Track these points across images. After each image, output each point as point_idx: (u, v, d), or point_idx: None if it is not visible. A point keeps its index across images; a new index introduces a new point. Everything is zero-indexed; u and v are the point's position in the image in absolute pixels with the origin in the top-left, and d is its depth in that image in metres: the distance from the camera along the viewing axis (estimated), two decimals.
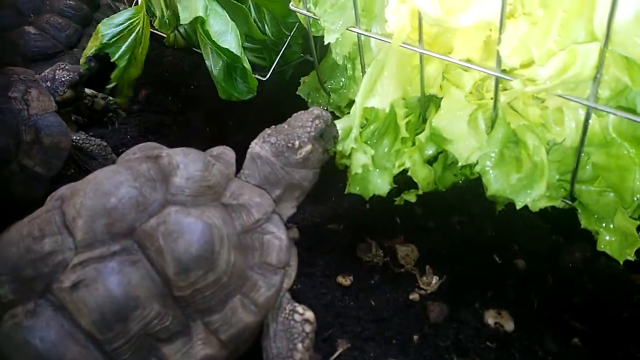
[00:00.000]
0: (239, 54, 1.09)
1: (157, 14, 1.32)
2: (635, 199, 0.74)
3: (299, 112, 0.85)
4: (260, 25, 1.21)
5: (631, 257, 0.75)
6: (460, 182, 0.89)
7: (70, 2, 1.56)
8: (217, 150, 0.86)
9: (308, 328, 0.76)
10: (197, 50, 1.33)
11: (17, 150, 1.10)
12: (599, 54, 0.65)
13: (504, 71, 0.74)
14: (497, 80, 0.75)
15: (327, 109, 1.09)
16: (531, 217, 1.02)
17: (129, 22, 1.25)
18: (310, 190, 0.88)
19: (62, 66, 1.24)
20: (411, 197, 0.90)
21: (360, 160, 0.87)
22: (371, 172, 0.88)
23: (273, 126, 0.85)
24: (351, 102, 1.04)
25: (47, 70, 1.25)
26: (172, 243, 0.69)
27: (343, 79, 1.08)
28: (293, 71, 1.36)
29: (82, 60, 1.32)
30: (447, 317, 0.91)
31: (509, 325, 0.90)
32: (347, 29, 0.88)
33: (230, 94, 1.17)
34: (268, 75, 1.24)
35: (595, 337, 0.88)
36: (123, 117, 1.46)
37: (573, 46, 0.67)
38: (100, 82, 1.38)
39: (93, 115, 1.41)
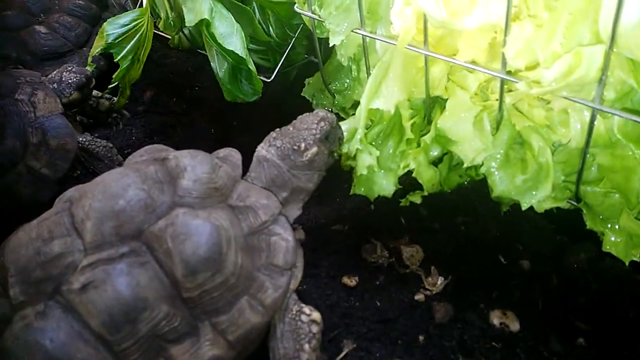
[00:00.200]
0: (244, 56, 1.10)
1: (162, 15, 1.32)
2: None
3: (304, 115, 0.86)
4: (264, 27, 1.22)
5: (637, 258, 0.75)
6: (465, 183, 0.89)
7: (79, 1, 1.57)
8: (223, 152, 0.86)
9: (315, 329, 0.77)
10: (201, 52, 1.34)
11: (24, 152, 1.11)
12: (604, 57, 0.65)
13: (509, 73, 0.74)
14: (503, 82, 0.75)
15: (331, 110, 1.10)
16: (536, 217, 1.02)
17: (134, 23, 1.26)
18: (315, 191, 0.88)
19: (69, 68, 1.25)
20: (416, 198, 0.91)
21: (365, 162, 0.88)
22: (376, 173, 0.89)
23: (278, 129, 0.86)
24: (356, 103, 1.05)
25: (54, 72, 1.26)
26: (180, 245, 0.69)
27: (347, 80, 1.09)
28: (297, 72, 1.37)
29: (89, 60, 1.33)
30: (452, 318, 0.92)
31: (514, 326, 0.90)
32: (352, 31, 0.89)
33: (236, 95, 1.18)
34: (272, 77, 1.25)
35: (601, 337, 0.88)
36: (127, 118, 1.46)
37: (578, 48, 0.67)
38: (104, 83, 1.39)
39: (97, 116, 1.42)
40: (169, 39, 1.44)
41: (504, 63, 0.72)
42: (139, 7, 1.47)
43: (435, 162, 0.88)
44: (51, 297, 0.68)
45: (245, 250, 0.75)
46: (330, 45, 0.92)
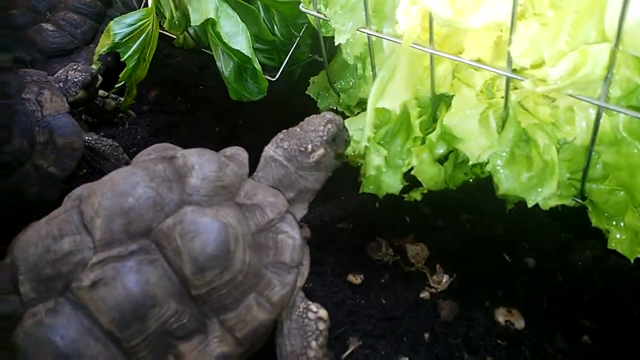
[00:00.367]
0: (249, 55, 1.10)
1: (167, 15, 1.33)
2: None
3: (312, 116, 0.86)
4: (269, 26, 1.22)
5: None
6: (470, 180, 0.90)
7: None
8: (230, 150, 0.87)
9: (322, 326, 0.77)
10: (206, 51, 1.34)
11: (32, 151, 1.11)
12: (610, 55, 0.66)
13: (514, 71, 0.74)
14: (508, 80, 0.76)
15: (337, 109, 1.10)
16: (541, 215, 1.03)
17: (140, 22, 1.26)
18: (320, 190, 0.89)
19: (75, 67, 1.26)
20: (416, 195, 0.91)
21: (374, 162, 0.88)
22: (384, 172, 0.89)
23: (285, 130, 0.86)
24: (361, 102, 1.05)
25: (60, 71, 1.26)
26: (189, 243, 0.70)
27: (352, 79, 1.09)
28: (301, 71, 1.37)
29: (95, 58, 1.33)
30: (457, 315, 0.92)
31: (519, 323, 0.90)
32: (357, 30, 0.89)
33: (241, 94, 1.19)
34: (277, 76, 1.25)
35: (606, 335, 0.88)
36: (133, 118, 1.47)
37: (584, 47, 0.68)
38: (111, 82, 1.40)
39: (103, 116, 1.43)
40: (173, 38, 1.45)
41: (510, 61, 0.73)
42: (144, 5, 1.48)
43: (441, 160, 0.88)
44: (61, 294, 0.69)
45: (252, 248, 0.75)
46: (336, 44, 0.92)
